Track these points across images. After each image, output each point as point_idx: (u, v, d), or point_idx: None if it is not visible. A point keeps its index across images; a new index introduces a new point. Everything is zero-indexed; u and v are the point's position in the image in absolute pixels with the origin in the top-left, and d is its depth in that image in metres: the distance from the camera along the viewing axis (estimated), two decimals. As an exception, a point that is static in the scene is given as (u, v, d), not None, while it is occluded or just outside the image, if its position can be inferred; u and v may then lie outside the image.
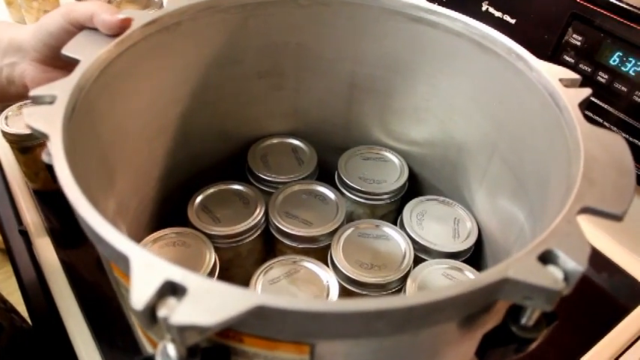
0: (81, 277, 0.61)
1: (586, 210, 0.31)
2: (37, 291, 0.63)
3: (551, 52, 0.67)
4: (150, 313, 0.26)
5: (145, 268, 0.27)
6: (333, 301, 0.24)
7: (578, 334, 0.58)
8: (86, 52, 0.41)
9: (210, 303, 0.26)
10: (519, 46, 0.45)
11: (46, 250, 0.63)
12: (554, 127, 0.41)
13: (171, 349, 0.28)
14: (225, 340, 0.30)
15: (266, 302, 0.25)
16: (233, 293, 0.26)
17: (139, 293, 0.26)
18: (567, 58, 0.66)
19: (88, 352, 0.53)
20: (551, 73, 0.42)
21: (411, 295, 0.26)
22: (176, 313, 0.25)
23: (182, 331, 0.25)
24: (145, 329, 0.27)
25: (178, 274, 0.26)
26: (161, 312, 0.26)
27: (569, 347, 0.56)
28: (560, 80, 0.42)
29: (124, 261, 0.28)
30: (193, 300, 0.26)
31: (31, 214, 0.68)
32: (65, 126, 0.35)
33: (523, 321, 0.32)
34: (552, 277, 0.28)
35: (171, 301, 0.26)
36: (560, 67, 0.43)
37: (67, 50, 0.41)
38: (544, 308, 0.29)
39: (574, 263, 0.29)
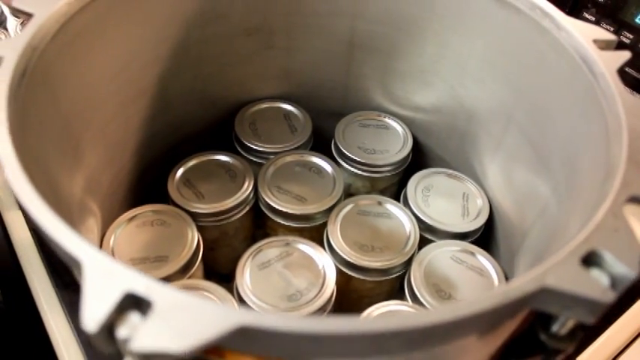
0: (53, 251, 0.55)
1: (635, 199, 0.26)
2: (7, 265, 0.58)
3: (569, 9, 0.61)
4: (107, 333, 0.21)
5: (102, 277, 0.22)
6: (336, 320, 0.19)
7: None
8: (42, 3, 0.35)
9: (181, 322, 0.21)
10: (545, 0, 0.39)
11: (17, 223, 0.58)
12: (587, 97, 0.35)
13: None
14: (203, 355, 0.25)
15: (251, 322, 0.21)
16: (209, 310, 0.21)
17: (93, 309, 0.21)
18: (588, 16, 0.60)
19: (59, 327, 0.49)
20: (584, 33, 0.37)
21: (432, 311, 0.21)
22: (139, 334, 0.20)
23: (146, 358, 0.20)
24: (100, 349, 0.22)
25: (141, 285, 0.21)
26: (121, 332, 0.21)
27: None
28: (595, 42, 0.36)
29: (77, 267, 0.23)
30: (161, 318, 0.21)
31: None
32: (13, 93, 0.30)
33: (554, 329, 0.27)
34: (599, 285, 0.23)
35: (134, 317, 0.21)
36: (593, 26, 0.37)
37: (19, 2, 0.35)
38: (584, 320, 0.24)
39: (623, 267, 0.24)
